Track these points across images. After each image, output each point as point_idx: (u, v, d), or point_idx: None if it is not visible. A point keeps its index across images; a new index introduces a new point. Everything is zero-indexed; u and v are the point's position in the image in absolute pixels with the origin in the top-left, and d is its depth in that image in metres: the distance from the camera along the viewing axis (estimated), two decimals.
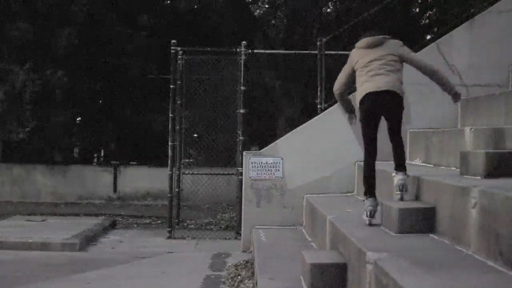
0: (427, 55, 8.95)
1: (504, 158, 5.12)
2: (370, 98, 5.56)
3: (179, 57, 11.08)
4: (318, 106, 10.03)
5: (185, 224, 11.86)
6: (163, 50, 12.27)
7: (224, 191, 12.19)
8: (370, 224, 5.62)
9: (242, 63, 10.58)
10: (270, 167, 9.15)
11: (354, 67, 5.80)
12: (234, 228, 10.70)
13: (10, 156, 16.58)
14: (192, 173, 11.66)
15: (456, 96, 6.03)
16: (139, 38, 16.36)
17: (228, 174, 11.52)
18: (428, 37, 17.48)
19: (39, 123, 15.59)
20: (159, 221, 12.56)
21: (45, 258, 8.82)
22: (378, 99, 5.55)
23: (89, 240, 10.18)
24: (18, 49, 15.43)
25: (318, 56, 10.13)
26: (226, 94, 11.35)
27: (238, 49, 10.69)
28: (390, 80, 5.58)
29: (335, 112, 7.80)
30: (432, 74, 5.97)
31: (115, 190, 16.17)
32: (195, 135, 12.45)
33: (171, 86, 11.00)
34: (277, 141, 9.55)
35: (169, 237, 10.65)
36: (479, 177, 5.04)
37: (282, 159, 9.14)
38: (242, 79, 10.56)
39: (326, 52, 10.12)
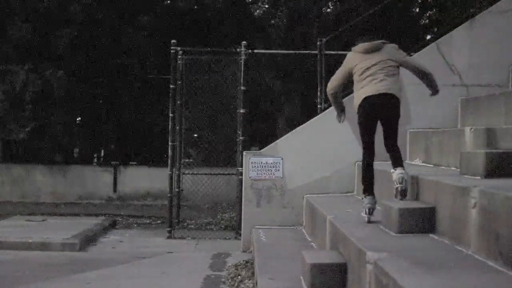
0: (427, 55, 8.98)
1: (504, 158, 5.12)
2: (369, 101, 5.69)
3: (179, 57, 11.09)
4: (318, 106, 10.03)
5: (185, 224, 11.86)
6: (163, 50, 12.27)
7: (224, 191, 12.18)
8: (369, 221, 5.75)
9: (242, 63, 10.58)
10: (270, 167, 9.15)
11: (353, 70, 5.91)
12: (234, 228, 10.70)
13: (10, 156, 16.59)
14: (192, 173, 11.65)
15: (436, 93, 6.32)
16: (139, 38, 16.36)
17: (228, 174, 11.52)
18: (428, 37, 17.50)
19: (39, 123, 15.58)
20: (159, 221, 12.56)
21: (45, 258, 8.82)
22: (377, 102, 5.69)
23: (89, 240, 10.18)
24: (18, 49, 15.43)
25: (318, 56, 10.13)
26: (226, 94, 11.35)
27: (238, 49, 10.69)
28: (389, 84, 5.72)
29: (335, 112, 7.77)
30: (424, 76, 6.16)
31: (115, 190, 16.17)
32: (195, 135, 12.45)
33: (171, 86, 11.00)
34: (277, 141, 9.55)
35: (169, 237, 10.66)
36: (479, 177, 5.04)
37: (282, 159, 9.15)
38: (242, 79, 10.56)
39: (326, 52, 10.12)
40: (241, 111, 10.57)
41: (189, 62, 11.16)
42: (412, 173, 5.81)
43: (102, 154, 20.48)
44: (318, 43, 10.22)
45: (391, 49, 5.95)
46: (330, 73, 7.05)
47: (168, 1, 18.92)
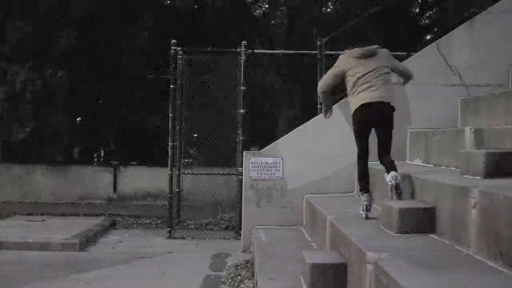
0: (427, 55, 8.99)
1: (504, 158, 5.11)
2: (364, 109, 5.94)
3: (179, 57, 11.09)
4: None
5: (185, 224, 11.85)
6: (163, 50, 12.26)
7: (224, 191, 12.17)
8: (367, 218, 5.99)
9: (242, 63, 10.59)
10: (270, 167, 9.15)
11: (346, 73, 6.09)
12: (234, 228, 10.70)
13: (10, 156, 16.57)
14: (192, 173, 11.66)
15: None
16: (139, 38, 16.35)
17: (228, 174, 11.52)
18: (428, 37, 17.49)
19: (39, 123, 15.58)
20: (159, 221, 12.55)
21: (45, 258, 8.82)
22: (372, 111, 5.96)
23: (89, 240, 10.18)
24: (18, 49, 15.42)
25: (318, 56, 10.14)
26: (226, 94, 11.34)
27: (238, 49, 10.70)
28: (385, 92, 5.98)
29: (335, 112, 7.79)
30: (407, 78, 6.57)
31: (115, 190, 16.16)
32: (195, 135, 12.45)
33: (171, 86, 11.00)
34: (277, 141, 9.55)
35: (169, 237, 10.66)
36: (479, 177, 5.04)
37: (282, 159, 9.15)
38: (242, 79, 10.57)
39: (326, 52, 10.13)
40: (241, 111, 10.58)
41: (189, 62, 11.16)
42: (413, 173, 5.83)
43: (102, 154, 20.46)
44: (318, 43, 10.21)
45: (385, 55, 6.18)
46: None
47: (168, 1, 18.91)
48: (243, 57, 10.58)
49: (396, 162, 7.49)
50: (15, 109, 15.23)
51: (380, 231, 5.35)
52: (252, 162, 9.19)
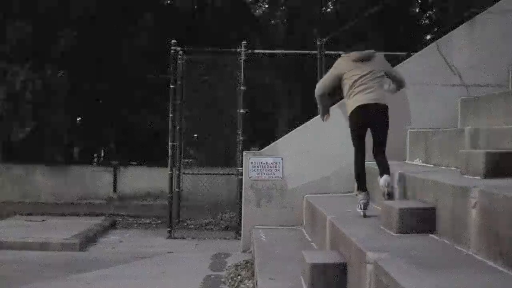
0: (427, 55, 8.99)
1: (504, 158, 5.11)
2: (361, 110, 6.09)
3: (179, 57, 11.09)
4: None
5: (185, 224, 11.85)
6: (163, 50, 12.26)
7: (224, 191, 12.17)
8: (365, 216, 6.17)
9: (242, 63, 10.59)
10: (270, 167, 9.15)
11: (343, 76, 6.24)
12: (234, 228, 10.70)
13: (10, 156, 16.57)
14: (192, 173, 11.66)
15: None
16: (139, 38, 16.35)
17: (228, 174, 11.52)
18: (428, 37, 17.49)
19: (39, 123, 15.57)
20: (159, 221, 12.55)
21: (45, 258, 8.82)
22: (369, 111, 6.07)
23: (89, 240, 10.18)
24: (18, 49, 15.42)
25: (318, 56, 10.12)
26: (226, 94, 11.34)
27: (238, 49, 10.70)
28: (381, 94, 6.14)
29: (335, 112, 7.80)
30: (400, 84, 6.56)
31: (115, 190, 16.16)
32: (195, 135, 12.45)
33: (171, 86, 11.01)
34: (277, 141, 9.55)
35: (169, 237, 10.66)
36: (479, 177, 5.04)
37: (282, 159, 9.15)
38: (242, 79, 10.57)
39: (326, 52, 10.12)
40: (241, 111, 10.58)
41: (189, 62, 11.16)
42: (412, 173, 5.83)
43: (102, 154, 20.47)
44: (318, 43, 10.21)
45: (381, 60, 6.34)
46: None
47: (168, 1, 18.92)
48: (243, 57, 10.58)
49: (396, 162, 7.54)
50: (15, 109, 15.23)
51: (380, 231, 5.35)
52: (252, 162, 9.19)
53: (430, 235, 4.97)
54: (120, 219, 13.01)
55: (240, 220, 9.61)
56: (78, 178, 16.13)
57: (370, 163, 6.44)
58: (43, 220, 12.18)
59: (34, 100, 15.20)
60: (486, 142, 6.17)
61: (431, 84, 8.89)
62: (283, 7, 18.75)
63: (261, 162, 9.16)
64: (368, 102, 6.05)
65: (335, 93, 6.90)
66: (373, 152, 6.22)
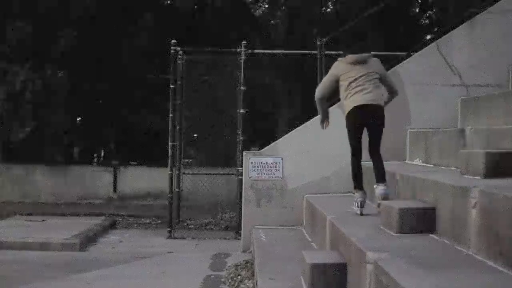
0: (427, 55, 8.99)
1: (504, 158, 5.11)
2: (358, 111, 6.24)
3: (179, 57, 11.09)
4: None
5: (185, 224, 11.85)
6: (163, 50, 12.26)
7: (224, 191, 12.17)
8: (361, 214, 6.34)
9: (242, 63, 10.59)
10: (270, 167, 9.15)
11: (339, 78, 6.42)
12: (234, 228, 10.70)
13: (10, 156, 16.57)
14: (192, 173, 11.66)
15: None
16: (139, 38, 16.34)
17: (228, 174, 11.52)
18: (428, 37, 17.47)
19: (39, 123, 15.57)
20: (159, 221, 12.56)
21: (45, 258, 8.82)
22: (366, 111, 6.23)
23: (89, 240, 10.18)
24: (18, 49, 15.42)
25: (318, 56, 10.11)
26: (226, 94, 11.34)
27: (238, 49, 10.70)
28: (376, 95, 6.30)
29: (335, 112, 7.79)
30: (393, 93, 6.67)
31: (115, 190, 16.16)
32: (195, 135, 12.45)
33: (171, 86, 11.01)
34: (277, 141, 9.55)
35: (169, 237, 10.66)
36: (479, 177, 5.04)
37: (282, 159, 9.15)
38: (242, 79, 10.57)
39: (326, 52, 10.11)
40: (241, 111, 10.58)
41: (189, 62, 11.16)
42: (412, 173, 5.83)
43: (102, 154, 20.47)
44: (318, 43, 10.20)
45: (376, 63, 6.49)
46: None
47: (168, 1, 18.91)
48: (243, 57, 10.59)
49: (396, 162, 7.56)
50: (15, 109, 15.23)
51: (380, 231, 5.35)
52: (252, 162, 9.19)
53: (430, 235, 4.97)
54: (120, 219, 13.01)
55: (240, 220, 9.61)
56: (78, 178, 16.13)
57: (367, 163, 6.54)
58: (43, 220, 12.18)
59: (34, 100, 15.20)
60: (486, 142, 6.17)
61: (431, 84, 8.89)
62: (283, 7, 18.74)
63: (261, 162, 9.16)
64: (366, 103, 6.21)
65: (334, 96, 6.94)
66: (369, 151, 6.40)
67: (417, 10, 20.11)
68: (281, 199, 9.12)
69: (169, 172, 10.96)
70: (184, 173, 11.63)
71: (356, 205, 6.43)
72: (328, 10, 19.32)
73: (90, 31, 15.86)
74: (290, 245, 7.67)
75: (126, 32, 16.37)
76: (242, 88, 10.58)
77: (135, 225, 12.54)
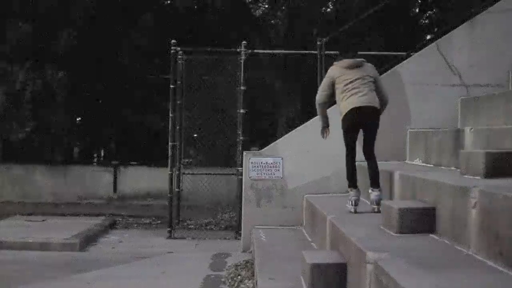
0: (427, 55, 8.99)
1: (504, 158, 5.11)
2: (353, 112, 6.43)
3: (179, 57, 11.09)
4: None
5: (185, 224, 11.86)
6: (163, 50, 12.26)
7: (224, 191, 12.18)
8: (355, 212, 6.53)
9: (242, 63, 10.59)
10: (270, 167, 9.15)
11: (335, 81, 6.62)
12: (234, 228, 10.70)
13: (10, 156, 16.57)
14: (192, 173, 11.66)
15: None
16: (139, 38, 16.34)
17: (228, 174, 11.51)
18: (428, 37, 17.47)
19: (39, 123, 15.57)
20: (159, 221, 12.56)
21: (45, 258, 8.82)
22: (361, 113, 6.43)
23: (89, 240, 10.18)
24: (18, 49, 15.41)
25: (318, 56, 10.12)
26: (226, 94, 11.34)
27: (238, 49, 10.70)
28: (372, 98, 6.49)
29: (335, 112, 7.78)
30: (384, 100, 6.75)
31: (115, 190, 16.16)
32: (195, 135, 12.44)
33: (171, 86, 11.01)
34: (277, 141, 9.55)
35: (169, 237, 10.66)
36: (479, 177, 5.04)
37: (282, 159, 9.14)
38: (242, 79, 10.57)
39: (326, 52, 10.11)
40: (241, 111, 10.58)
41: (189, 62, 11.16)
42: (412, 173, 5.84)
43: (102, 154, 20.47)
44: (318, 43, 10.20)
45: (371, 68, 6.70)
46: None
47: (168, 1, 18.91)
48: (243, 57, 10.59)
49: (396, 162, 7.58)
50: (15, 109, 15.23)
51: (380, 231, 5.35)
52: (252, 162, 9.19)
53: (430, 235, 4.97)
54: (120, 219, 13.01)
55: (240, 220, 9.61)
56: (78, 178, 16.13)
57: (362, 163, 6.70)
58: (43, 220, 12.18)
59: (34, 100, 15.20)
60: (486, 142, 6.17)
61: (431, 84, 8.89)
62: (283, 7, 18.73)
63: (261, 162, 9.16)
64: (362, 105, 6.41)
65: (332, 100, 7.00)
66: (363, 152, 6.59)
67: (417, 10, 20.10)
68: (281, 199, 9.12)
69: (169, 172, 10.96)
70: (184, 173, 11.62)
71: (350, 203, 6.61)
72: (328, 10, 19.30)
73: (90, 31, 15.86)
74: (290, 245, 7.67)
75: (126, 32, 16.37)
76: (242, 88, 10.59)
77: (135, 225, 12.54)
